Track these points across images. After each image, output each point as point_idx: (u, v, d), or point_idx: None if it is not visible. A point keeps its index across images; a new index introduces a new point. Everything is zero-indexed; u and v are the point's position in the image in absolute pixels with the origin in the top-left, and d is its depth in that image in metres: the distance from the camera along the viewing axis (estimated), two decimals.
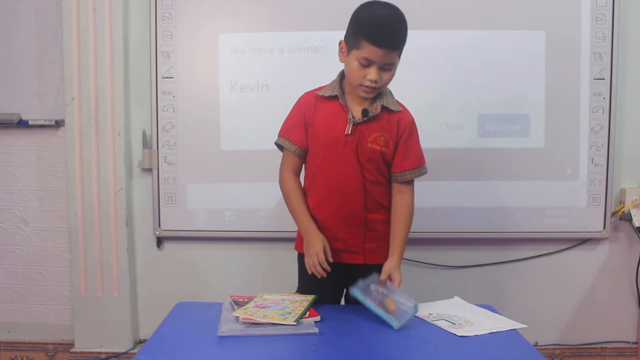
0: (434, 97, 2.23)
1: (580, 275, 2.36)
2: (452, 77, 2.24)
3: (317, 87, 1.60)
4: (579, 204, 2.28)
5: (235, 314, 1.36)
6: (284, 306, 1.42)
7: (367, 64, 1.45)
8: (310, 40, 2.23)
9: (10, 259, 2.45)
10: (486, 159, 2.27)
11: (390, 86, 1.60)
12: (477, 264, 2.36)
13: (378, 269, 1.57)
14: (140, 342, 2.42)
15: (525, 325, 1.39)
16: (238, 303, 1.44)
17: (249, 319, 1.32)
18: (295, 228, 1.65)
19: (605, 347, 2.37)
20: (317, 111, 1.55)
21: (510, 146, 2.26)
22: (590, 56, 2.23)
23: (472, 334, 1.31)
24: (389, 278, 1.49)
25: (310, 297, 1.49)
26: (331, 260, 1.50)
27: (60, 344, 2.45)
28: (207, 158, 2.29)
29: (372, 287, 1.46)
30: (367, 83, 1.47)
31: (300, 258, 1.66)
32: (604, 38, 2.22)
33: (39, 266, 2.44)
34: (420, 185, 1.64)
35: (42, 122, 2.36)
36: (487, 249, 2.34)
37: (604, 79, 2.23)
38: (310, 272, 1.51)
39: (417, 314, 1.45)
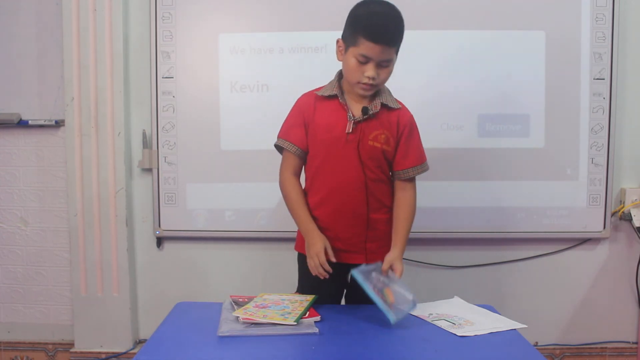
0: (434, 97, 2.23)
1: (580, 275, 2.37)
2: (452, 77, 2.24)
3: (317, 87, 1.61)
4: (579, 204, 2.28)
5: (235, 314, 1.36)
6: (284, 306, 1.42)
7: (364, 61, 1.45)
8: (310, 40, 2.23)
9: (10, 259, 2.45)
10: (486, 159, 2.26)
11: (390, 86, 1.60)
12: (477, 264, 2.36)
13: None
14: (140, 342, 2.42)
15: (525, 325, 1.39)
16: (238, 303, 1.44)
17: (249, 319, 1.32)
18: (295, 228, 1.65)
19: (605, 347, 2.37)
20: (316, 111, 1.55)
21: (510, 146, 2.26)
22: (590, 56, 2.23)
23: (472, 334, 1.31)
24: (391, 268, 1.49)
25: (310, 297, 1.49)
26: (333, 260, 1.49)
27: (60, 344, 2.45)
28: (207, 158, 2.29)
29: (374, 274, 1.46)
30: (365, 80, 1.47)
31: (301, 258, 1.66)
32: (604, 38, 2.22)
33: (39, 266, 2.44)
34: (420, 185, 1.64)
35: (42, 122, 2.36)
36: (487, 249, 2.34)
37: (604, 79, 2.23)
38: (314, 274, 1.51)
39: (417, 314, 1.45)
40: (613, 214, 2.31)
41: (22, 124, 2.36)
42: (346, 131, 1.51)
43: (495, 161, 2.26)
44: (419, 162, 1.59)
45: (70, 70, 2.26)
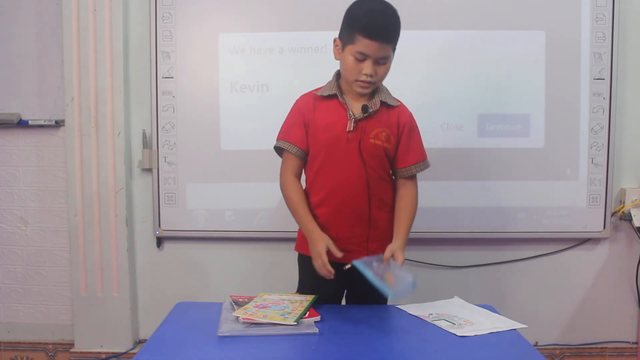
0: (434, 97, 2.23)
1: (580, 275, 2.37)
2: (452, 77, 2.24)
3: (316, 87, 1.61)
4: (579, 204, 2.28)
5: (235, 314, 1.36)
6: (284, 306, 1.42)
7: (362, 58, 1.46)
8: (310, 40, 2.23)
9: (10, 259, 2.45)
10: (486, 159, 2.27)
11: (390, 86, 1.60)
12: (477, 264, 2.36)
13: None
14: (140, 342, 2.42)
15: (525, 325, 1.39)
16: (238, 303, 1.44)
17: (249, 319, 1.32)
18: (296, 228, 1.65)
19: (605, 347, 2.37)
20: (316, 111, 1.56)
21: (510, 146, 2.26)
22: (590, 56, 2.23)
23: (472, 334, 1.31)
24: (392, 257, 1.48)
25: (310, 297, 1.49)
26: (339, 255, 1.47)
27: (60, 344, 2.45)
28: (207, 158, 2.29)
29: (375, 263, 1.46)
30: (363, 78, 1.48)
31: (301, 258, 1.66)
32: (604, 38, 2.22)
33: (39, 266, 2.44)
34: (420, 185, 1.64)
35: (42, 122, 2.36)
36: (487, 249, 2.34)
37: (604, 79, 2.23)
38: (321, 274, 1.50)
39: (417, 314, 1.45)
40: (613, 214, 2.31)
41: (22, 124, 2.36)
42: (347, 129, 1.51)
43: (495, 161, 2.26)
44: (421, 159, 1.60)
45: (70, 70, 2.26)
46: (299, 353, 1.24)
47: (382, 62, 1.48)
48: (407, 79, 2.17)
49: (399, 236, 1.54)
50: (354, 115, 1.52)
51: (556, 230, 2.29)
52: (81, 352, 2.36)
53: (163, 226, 2.32)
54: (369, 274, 1.40)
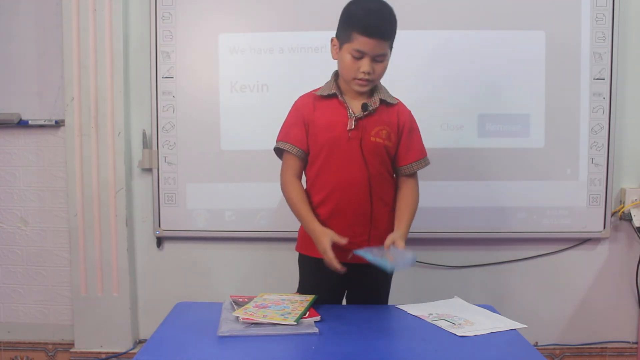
0: (434, 97, 2.23)
1: (580, 275, 2.37)
2: (452, 77, 2.24)
3: (316, 87, 1.61)
4: (579, 204, 2.28)
5: (235, 314, 1.36)
6: (284, 306, 1.41)
7: (359, 56, 1.47)
8: (310, 40, 2.23)
9: (10, 259, 2.45)
10: (486, 159, 2.26)
11: (391, 86, 1.61)
12: (477, 264, 2.36)
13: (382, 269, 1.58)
14: (140, 342, 2.42)
15: (525, 325, 1.38)
16: (238, 303, 1.44)
17: (249, 319, 1.32)
18: (296, 228, 1.65)
19: (605, 347, 2.37)
20: (316, 111, 1.56)
21: (510, 146, 2.26)
22: (590, 56, 2.23)
23: (472, 334, 1.31)
24: (393, 244, 1.47)
25: (310, 297, 1.49)
26: (344, 242, 1.45)
27: (60, 344, 2.45)
28: (207, 158, 2.29)
29: (376, 250, 1.46)
30: (361, 76, 1.48)
31: (302, 259, 1.66)
32: (604, 38, 2.22)
33: (39, 266, 2.44)
34: (420, 185, 1.64)
35: (42, 122, 2.36)
36: (487, 249, 2.35)
37: (604, 79, 2.23)
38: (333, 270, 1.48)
39: (417, 314, 1.45)
40: (613, 214, 2.31)
41: (22, 124, 2.36)
42: (348, 128, 1.51)
43: (495, 161, 2.26)
44: (422, 156, 1.61)
45: (70, 70, 2.26)
46: (299, 353, 1.24)
47: (380, 59, 1.49)
48: (407, 79, 2.17)
49: (400, 227, 1.54)
50: (354, 114, 1.52)
51: (556, 230, 2.29)
52: (81, 352, 2.36)
53: (163, 226, 2.32)
54: (369, 256, 1.41)
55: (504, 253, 2.35)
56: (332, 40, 1.55)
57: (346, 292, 1.69)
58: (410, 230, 1.57)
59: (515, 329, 1.36)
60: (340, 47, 1.51)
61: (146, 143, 2.31)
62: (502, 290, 2.36)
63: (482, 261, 2.35)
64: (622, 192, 2.32)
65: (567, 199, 2.27)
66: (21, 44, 2.36)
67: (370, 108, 1.52)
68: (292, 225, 1.63)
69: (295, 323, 1.31)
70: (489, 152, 2.26)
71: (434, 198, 2.23)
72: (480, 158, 2.26)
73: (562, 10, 2.22)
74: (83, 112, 2.27)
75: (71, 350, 2.38)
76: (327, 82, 1.59)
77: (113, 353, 2.35)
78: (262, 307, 1.40)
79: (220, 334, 1.27)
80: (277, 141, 1.60)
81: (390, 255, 1.43)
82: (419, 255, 2.32)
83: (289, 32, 2.25)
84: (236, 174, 2.28)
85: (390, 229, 1.58)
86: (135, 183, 2.36)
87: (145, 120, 2.31)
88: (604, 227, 2.28)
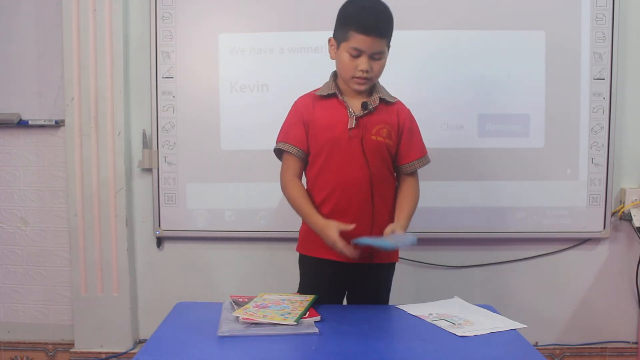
0: (434, 97, 2.23)
1: (580, 275, 2.36)
2: (452, 77, 2.24)
3: (316, 87, 1.61)
4: (579, 204, 2.28)
5: (235, 314, 1.35)
6: (284, 306, 1.41)
7: (357, 54, 1.47)
8: (310, 40, 2.23)
9: (10, 259, 2.45)
10: (486, 159, 2.27)
11: (391, 86, 1.61)
12: (477, 264, 2.36)
13: (383, 269, 1.57)
14: (140, 342, 2.42)
15: (525, 325, 1.38)
16: (238, 303, 1.43)
17: (249, 319, 1.32)
18: (296, 228, 1.65)
19: (605, 347, 2.37)
20: (315, 111, 1.56)
21: (510, 146, 2.26)
22: (590, 56, 2.23)
23: (472, 334, 1.31)
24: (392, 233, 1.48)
25: (310, 297, 1.49)
26: (351, 228, 1.45)
27: (60, 344, 2.45)
28: (207, 158, 2.29)
29: (375, 237, 1.48)
30: (359, 74, 1.49)
31: (302, 259, 1.66)
32: (604, 38, 2.22)
33: (39, 266, 2.44)
34: (420, 185, 1.64)
35: (42, 122, 2.36)
36: (487, 249, 2.35)
37: (604, 79, 2.23)
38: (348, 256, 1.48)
39: (417, 314, 1.45)
40: (613, 214, 2.31)
41: (22, 124, 2.36)
42: (348, 127, 1.51)
43: (495, 161, 2.26)
44: (422, 154, 1.61)
45: (70, 70, 2.26)
46: (299, 353, 1.24)
47: (377, 57, 1.49)
48: (407, 79, 2.17)
49: (400, 218, 1.54)
50: (355, 113, 1.52)
51: (556, 230, 2.29)
52: (81, 352, 2.36)
53: (163, 226, 2.32)
54: (368, 240, 1.41)
55: (504, 253, 2.35)
56: (329, 40, 1.55)
57: (347, 292, 1.69)
58: (410, 230, 1.56)
59: (515, 329, 1.36)
60: (338, 47, 1.51)
61: (146, 143, 2.31)
62: (502, 290, 2.36)
63: (482, 261, 2.35)
64: (622, 192, 2.32)
65: (567, 199, 2.27)
66: (21, 44, 2.36)
67: (370, 107, 1.53)
68: (292, 225, 1.63)
69: (295, 323, 1.31)
70: (489, 152, 2.26)
71: (434, 198, 2.23)
72: (480, 158, 2.26)
73: (562, 10, 2.22)
74: (83, 112, 2.27)
75: (71, 350, 2.38)
76: (326, 82, 1.60)
77: (113, 353, 2.35)
78: (262, 307, 1.40)
79: (220, 334, 1.27)
80: (276, 142, 1.60)
81: (389, 238, 1.44)
82: (419, 256, 2.33)
83: (289, 32, 2.25)
84: (236, 174, 2.28)
85: None
86: (135, 183, 2.36)
87: (145, 120, 2.31)
88: (604, 227, 2.28)
